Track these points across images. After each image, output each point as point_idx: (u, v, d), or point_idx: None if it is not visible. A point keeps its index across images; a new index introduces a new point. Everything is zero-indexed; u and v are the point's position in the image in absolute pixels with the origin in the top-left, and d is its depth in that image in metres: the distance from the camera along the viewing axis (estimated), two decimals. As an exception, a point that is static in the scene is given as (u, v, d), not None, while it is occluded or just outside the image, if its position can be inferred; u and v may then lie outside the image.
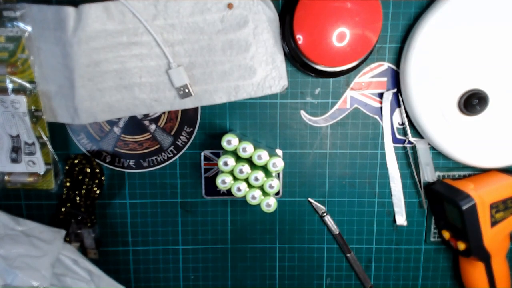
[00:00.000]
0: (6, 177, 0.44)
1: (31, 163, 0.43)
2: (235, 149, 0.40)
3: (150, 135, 0.46)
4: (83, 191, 0.45)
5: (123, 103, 0.42)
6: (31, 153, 0.43)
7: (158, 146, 0.46)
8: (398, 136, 0.47)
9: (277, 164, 0.40)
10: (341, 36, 0.38)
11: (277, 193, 0.48)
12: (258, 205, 0.48)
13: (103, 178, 0.46)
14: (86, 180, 0.45)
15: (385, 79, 0.45)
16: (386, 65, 0.45)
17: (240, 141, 0.40)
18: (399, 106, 0.46)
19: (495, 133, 0.43)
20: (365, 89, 0.46)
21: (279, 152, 0.47)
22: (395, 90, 0.45)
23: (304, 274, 0.50)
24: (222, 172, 0.41)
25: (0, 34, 0.40)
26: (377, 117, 0.46)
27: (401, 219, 0.48)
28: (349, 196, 0.48)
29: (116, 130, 0.46)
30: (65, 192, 0.45)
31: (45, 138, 0.43)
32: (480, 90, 0.41)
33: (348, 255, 0.49)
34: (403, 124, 0.46)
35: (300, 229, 0.49)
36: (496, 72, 0.41)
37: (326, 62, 0.39)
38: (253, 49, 0.42)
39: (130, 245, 0.49)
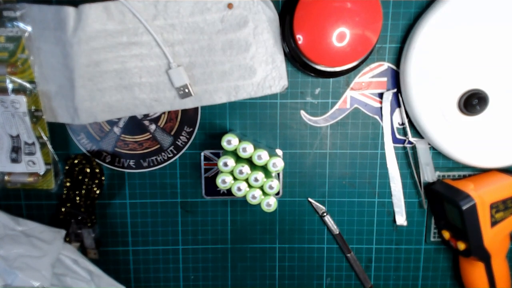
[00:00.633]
0: (6, 177, 0.44)
1: (31, 163, 0.43)
2: (235, 149, 0.40)
3: (150, 135, 0.46)
4: (83, 191, 0.45)
5: (123, 103, 0.42)
6: (31, 153, 0.43)
7: (158, 146, 0.46)
8: (398, 136, 0.47)
9: (277, 164, 0.40)
10: (341, 36, 0.38)
11: (277, 193, 0.48)
12: (258, 205, 0.48)
13: (103, 178, 0.46)
14: (86, 180, 0.45)
15: (385, 79, 0.45)
16: (386, 65, 0.45)
17: (240, 141, 0.40)
18: (399, 106, 0.46)
19: (495, 133, 0.43)
20: (365, 89, 0.46)
21: (279, 152, 0.47)
22: (395, 90, 0.45)
23: (304, 274, 0.50)
24: (222, 172, 0.41)
25: (0, 34, 0.40)
26: (377, 117, 0.46)
27: (401, 219, 0.48)
28: (349, 196, 0.48)
29: (116, 130, 0.46)
30: (65, 192, 0.45)
31: (45, 138, 0.43)
32: (480, 90, 0.41)
33: (348, 255, 0.49)
34: (403, 124, 0.46)
35: (300, 229, 0.49)
36: (496, 72, 0.41)
37: (326, 62, 0.39)
38: (253, 49, 0.42)
39: (130, 245, 0.49)
